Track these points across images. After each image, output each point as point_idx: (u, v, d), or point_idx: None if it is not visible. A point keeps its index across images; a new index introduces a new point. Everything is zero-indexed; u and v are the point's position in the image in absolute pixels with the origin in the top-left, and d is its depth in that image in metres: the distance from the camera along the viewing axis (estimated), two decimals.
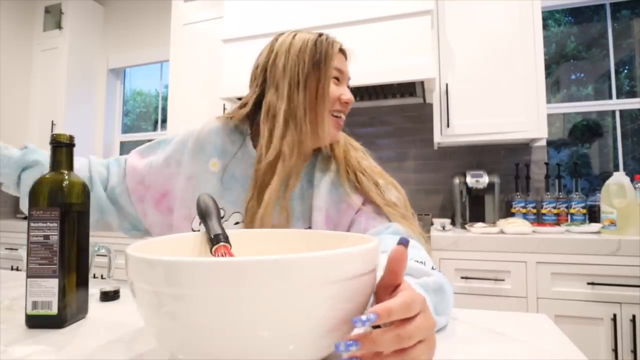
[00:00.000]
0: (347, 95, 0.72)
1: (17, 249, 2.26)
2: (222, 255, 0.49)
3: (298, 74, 0.68)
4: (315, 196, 0.70)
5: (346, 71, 0.74)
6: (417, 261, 0.52)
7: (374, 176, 0.73)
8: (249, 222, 0.67)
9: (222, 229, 0.51)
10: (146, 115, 3.23)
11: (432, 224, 1.93)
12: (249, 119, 0.75)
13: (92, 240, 0.56)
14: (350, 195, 0.71)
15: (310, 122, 0.68)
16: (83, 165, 0.77)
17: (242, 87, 2.00)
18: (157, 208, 0.76)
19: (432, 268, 0.53)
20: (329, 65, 0.69)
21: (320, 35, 0.71)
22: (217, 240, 0.49)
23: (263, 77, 0.72)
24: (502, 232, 1.58)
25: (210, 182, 0.73)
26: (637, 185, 1.59)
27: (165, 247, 0.48)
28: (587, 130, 2.17)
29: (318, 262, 0.32)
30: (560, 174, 1.87)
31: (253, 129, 0.77)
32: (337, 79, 0.72)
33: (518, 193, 1.91)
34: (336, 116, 0.72)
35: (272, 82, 0.70)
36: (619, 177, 1.57)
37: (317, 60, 0.69)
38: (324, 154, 0.75)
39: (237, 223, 0.71)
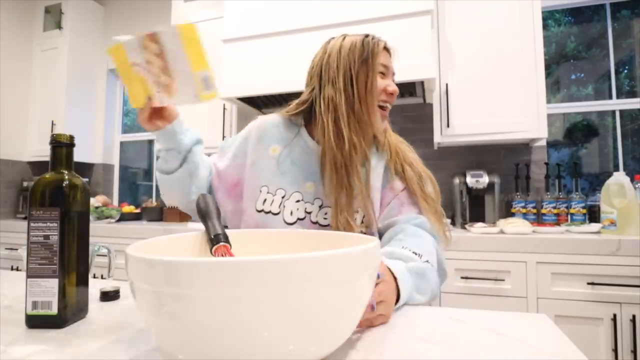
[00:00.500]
0: (392, 87, 0.81)
1: (17, 249, 2.27)
2: (222, 255, 0.49)
3: (350, 70, 0.77)
4: (374, 177, 0.79)
5: (391, 66, 0.83)
6: (414, 252, 0.67)
7: (419, 168, 0.81)
8: (345, 206, 0.75)
9: (222, 228, 0.51)
10: None
11: None
12: (302, 112, 0.84)
13: (92, 240, 0.56)
14: (394, 180, 0.80)
15: (364, 113, 0.76)
16: (207, 161, 0.89)
17: (242, 87, 2.01)
18: (229, 196, 0.86)
19: (427, 261, 0.68)
20: (376, 61, 0.77)
21: (367, 36, 0.80)
22: (217, 240, 0.49)
23: (319, 75, 0.80)
24: (502, 232, 1.58)
25: (270, 165, 0.83)
26: (637, 185, 1.59)
27: (165, 247, 0.48)
28: (586, 130, 2.17)
29: (317, 262, 0.32)
30: (560, 174, 1.87)
31: (306, 121, 0.86)
32: (382, 73, 0.80)
33: (518, 193, 1.91)
34: (382, 107, 0.81)
35: (328, 78, 0.78)
36: (619, 177, 1.57)
37: (365, 57, 0.77)
38: (379, 142, 0.83)
39: (298, 201, 0.81)
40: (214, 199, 0.60)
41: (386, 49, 0.82)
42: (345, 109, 0.76)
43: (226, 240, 0.49)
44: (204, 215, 0.54)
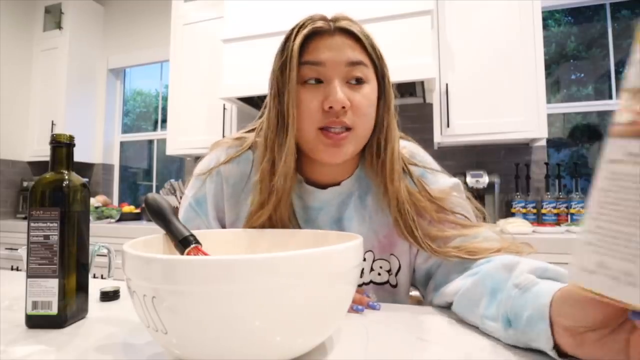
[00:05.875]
0: (334, 97, 0.53)
1: (17, 249, 2.27)
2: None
3: (276, 82, 0.57)
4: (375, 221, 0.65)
5: (334, 58, 0.55)
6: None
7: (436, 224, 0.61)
8: None
9: (187, 229, 0.49)
10: (146, 115, 3.23)
11: None
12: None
13: (92, 240, 0.56)
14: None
15: (289, 147, 0.56)
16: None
17: (242, 87, 2.01)
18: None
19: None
20: (292, 63, 0.54)
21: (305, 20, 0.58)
22: (187, 243, 0.47)
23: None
24: (502, 232, 1.58)
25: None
26: None
27: (159, 245, 0.48)
28: (587, 130, 2.17)
29: (302, 260, 0.33)
30: (560, 174, 1.87)
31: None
32: (317, 80, 0.55)
33: (518, 193, 1.91)
34: (326, 129, 0.55)
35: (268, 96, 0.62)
36: None
37: (283, 59, 0.56)
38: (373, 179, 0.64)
39: None
40: (164, 198, 0.52)
41: (327, 31, 0.57)
42: (270, 142, 0.57)
43: (196, 241, 0.48)
44: (162, 218, 0.50)
